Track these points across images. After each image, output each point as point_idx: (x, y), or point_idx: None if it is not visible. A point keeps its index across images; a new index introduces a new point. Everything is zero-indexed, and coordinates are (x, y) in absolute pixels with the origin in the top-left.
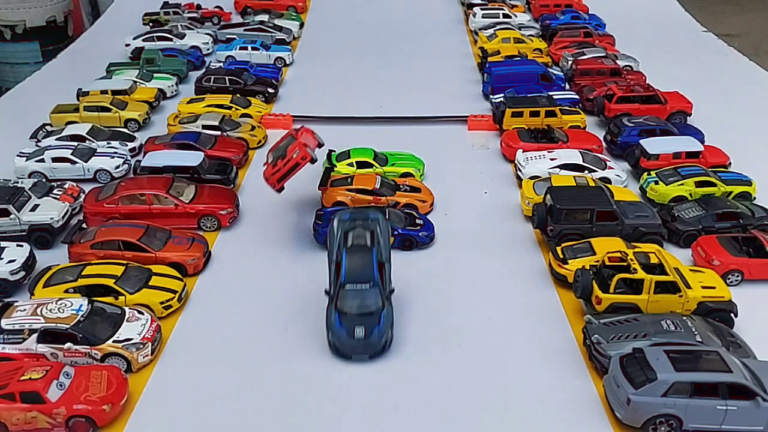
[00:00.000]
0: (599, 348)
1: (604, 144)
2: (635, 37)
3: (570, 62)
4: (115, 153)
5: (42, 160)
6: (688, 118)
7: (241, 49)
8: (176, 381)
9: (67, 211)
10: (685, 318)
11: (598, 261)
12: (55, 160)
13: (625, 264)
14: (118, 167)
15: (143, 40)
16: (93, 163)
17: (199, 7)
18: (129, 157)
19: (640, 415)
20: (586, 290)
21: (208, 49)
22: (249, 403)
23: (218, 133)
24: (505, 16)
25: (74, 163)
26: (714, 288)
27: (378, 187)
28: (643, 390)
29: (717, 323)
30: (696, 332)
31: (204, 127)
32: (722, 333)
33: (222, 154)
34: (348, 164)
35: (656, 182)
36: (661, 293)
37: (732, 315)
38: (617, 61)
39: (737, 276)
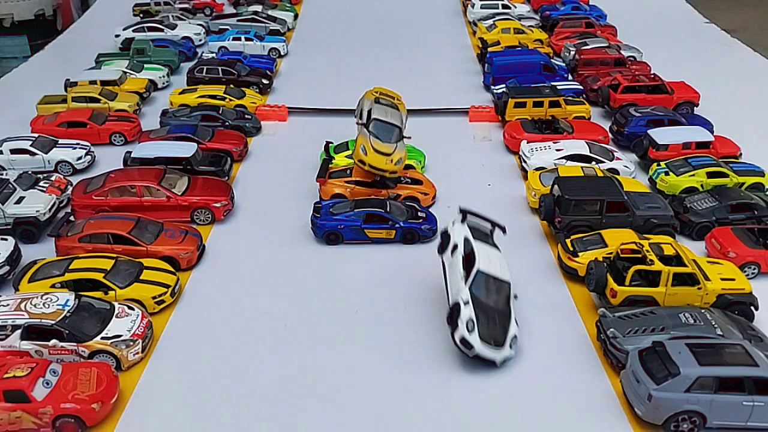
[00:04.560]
0: (615, 342)
1: (610, 135)
2: (637, 28)
3: (572, 52)
4: (77, 144)
5: (0, 152)
6: (695, 108)
7: (234, 39)
8: (169, 379)
9: (54, 203)
10: (703, 311)
11: (610, 253)
12: (13, 151)
13: (639, 256)
14: (80, 158)
15: (133, 31)
16: (53, 155)
17: None
18: (91, 148)
19: (662, 412)
20: (600, 283)
21: (201, 40)
22: (244, 401)
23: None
24: (505, 6)
25: (34, 154)
26: (734, 280)
27: (378, 179)
28: (666, 385)
29: (736, 316)
30: (716, 325)
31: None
32: (742, 326)
33: (221, 147)
34: (346, 156)
35: (666, 173)
36: (679, 285)
37: (752, 308)
38: (621, 52)
39: (754, 269)
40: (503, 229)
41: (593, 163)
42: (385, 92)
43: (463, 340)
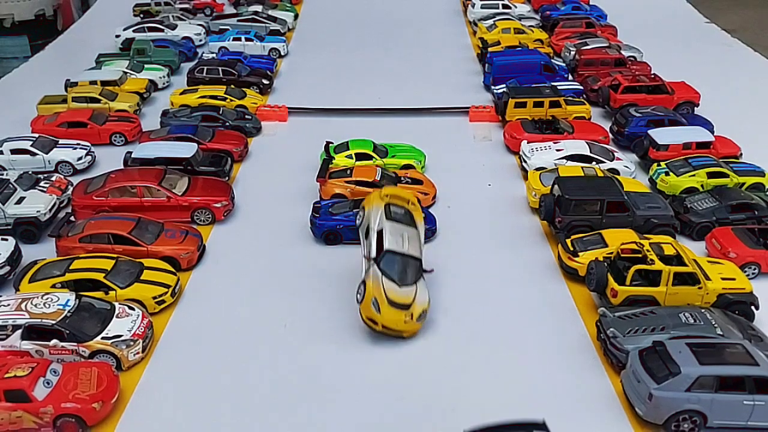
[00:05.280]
0: (615, 342)
1: (610, 135)
2: (637, 28)
3: (573, 53)
4: (78, 144)
5: (0, 152)
6: (695, 108)
7: (234, 39)
8: (169, 379)
9: (55, 203)
10: (703, 310)
11: (611, 253)
12: (14, 152)
13: (639, 256)
14: (80, 159)
15: (134, 31)
16: (54, 155)
17: None
18: (92, 149)
19: (663, 411)
20: (601, 283)
21: (201, 41)
22: (244, 401)
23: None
24: (505, 6)
25: (34, 155)
26: (734, 280)
27: (379, 179)
28: (666, 385)
29: (736, 316)
30: (716, 325)
31: None
32: (742, 326)
33: (222, 147)
34: (347, 156)
35: (667, 173)
36: (679, 285)
37: (753, 308)
38: (621, 52)
39: (754, 269)
40: (544, 427)
41: (593, 163)
42: (395, 196)
43: None
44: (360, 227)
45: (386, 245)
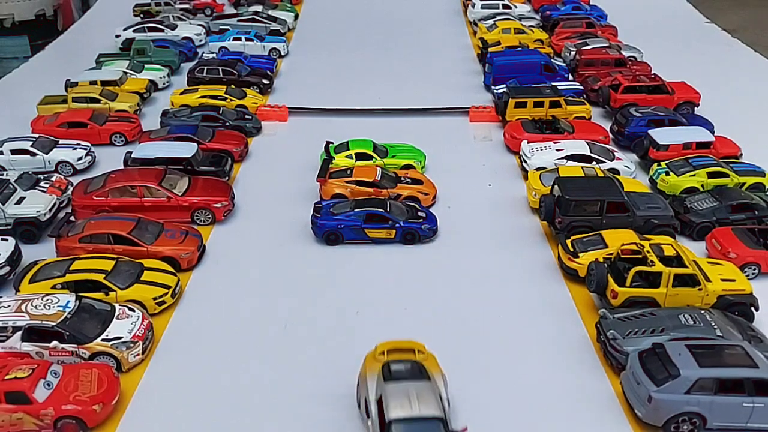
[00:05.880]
0: (615, 344)
1: (610, 135)
2: (637, 28)
3: (573, 53)
4: (78, 144)
5: (0, 152)
6: (695, 108)
7: (234, 39)
8: (170, 380)
9: (55, 203)
10: (703, 312)
11: (611, 254)
12: (14, 152)
13: (640, 257)
14: (80, 159)
15: (134, 31)
16: (54, 155)
17: None
18: (92, 149)
19: (662, 414)
20: (601, 284)
21: (201, 41)
22: (245, 403)
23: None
24: (505, 6)
25: (34, 155)
26: (734, 281)
27: (379, 179)
28: (666, 387)
29: (735, 317)
30: (716, 326)
31: None
32: (742, 327)
33: (222, 147)
34: (347, 156)
35: (667, 173)
36: (679, 286)
37: (753, 309)
38: (621, 52)
39: (754, 269)
40: None
41: (594, 163)
42: (394, 350)
43: None
44: (359, 405)
45: (389, 415)
